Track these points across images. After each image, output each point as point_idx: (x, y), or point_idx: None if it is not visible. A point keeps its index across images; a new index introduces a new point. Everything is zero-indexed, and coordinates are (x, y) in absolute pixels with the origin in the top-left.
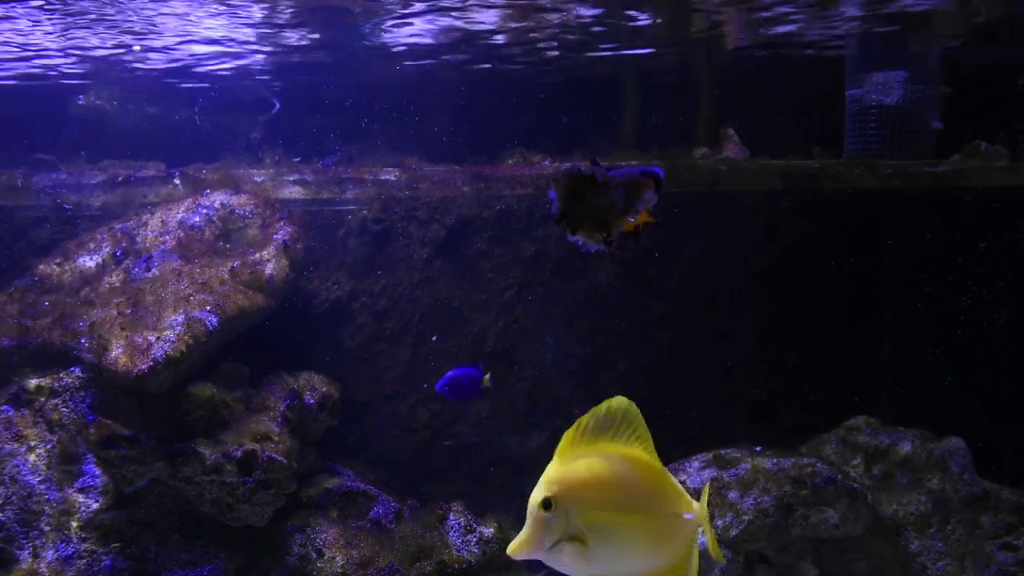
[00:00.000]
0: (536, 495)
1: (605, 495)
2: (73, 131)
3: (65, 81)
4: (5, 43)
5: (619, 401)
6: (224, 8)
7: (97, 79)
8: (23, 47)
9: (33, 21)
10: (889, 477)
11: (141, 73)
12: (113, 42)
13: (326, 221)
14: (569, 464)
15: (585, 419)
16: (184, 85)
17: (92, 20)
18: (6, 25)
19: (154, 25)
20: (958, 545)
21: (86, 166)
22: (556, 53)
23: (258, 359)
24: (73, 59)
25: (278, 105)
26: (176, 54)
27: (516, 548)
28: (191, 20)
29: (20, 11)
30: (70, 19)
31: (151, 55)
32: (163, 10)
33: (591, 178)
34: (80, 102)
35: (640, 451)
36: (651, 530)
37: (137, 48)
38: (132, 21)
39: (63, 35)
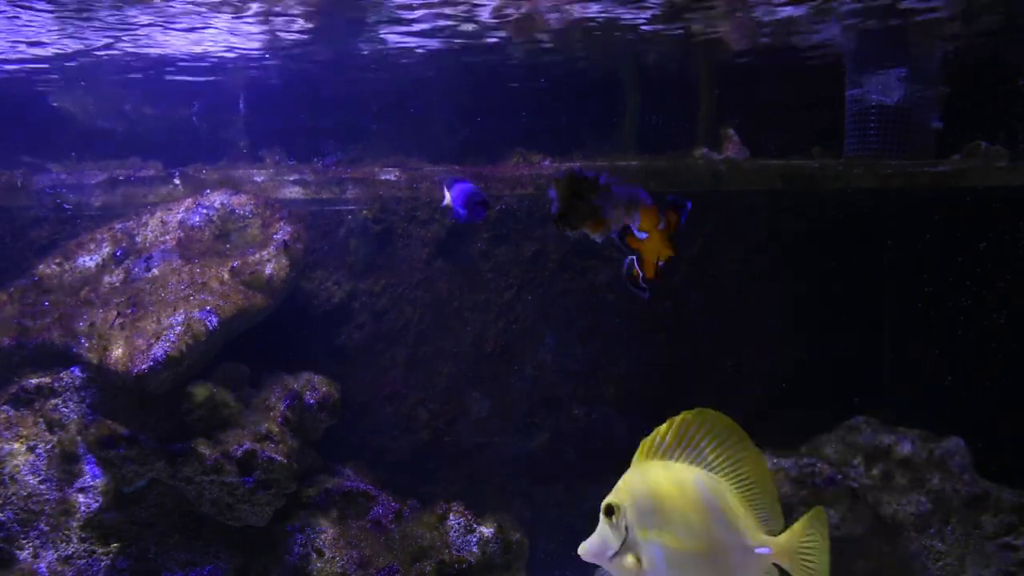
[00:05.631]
0: (606, 500)
1: (666, 516)
2: (58, 131)
3: (46, 76)
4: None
5: (703, 415)
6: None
7: (83, 78)
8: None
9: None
10: (889, 477)
11: (132, 70)
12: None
13: (326, 221)
14: (644, 474)
15: (663, 429)
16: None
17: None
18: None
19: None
20: (958, 545)
21: (78, 166)
22: (556, 54)
23: (258, 359)
24: (63, 56)
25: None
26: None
27: (582, 549)
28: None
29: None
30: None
31: (143, 50)
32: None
33: (592, 180)
34: (53, 104)
35: (723, 475)
36: (712, 563)
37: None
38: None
39: (58, 31)
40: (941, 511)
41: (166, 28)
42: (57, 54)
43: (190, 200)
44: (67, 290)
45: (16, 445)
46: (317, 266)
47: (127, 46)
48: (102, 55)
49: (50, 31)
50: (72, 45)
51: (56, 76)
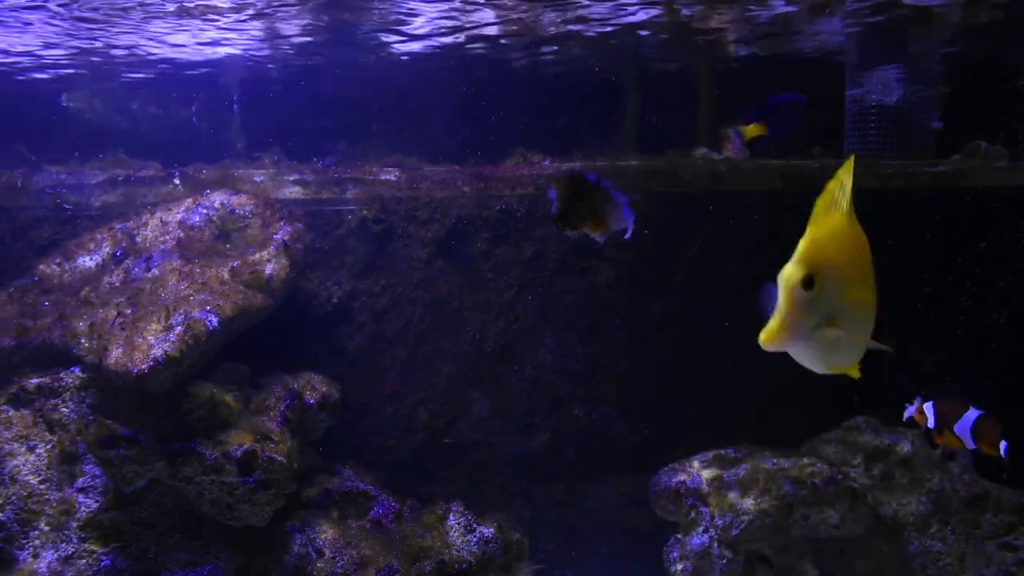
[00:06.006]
0: (794, 272)
1: (862, 270)
2: (60, 130)
3: (53, 73)
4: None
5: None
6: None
7: (88, 78)
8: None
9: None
10: (889, 477)
11: (134, 70)
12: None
13: (326, 221)
14: (826, 236)
15: (834, 185)
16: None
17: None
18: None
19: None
20: (958, 545)
21: (81, 166)
22: (556, 54)
23: (258, 359)
24: (67, 57)
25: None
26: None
27: (772, 335)
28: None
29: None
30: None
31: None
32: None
33: (593, 181)
34: (64, 103)
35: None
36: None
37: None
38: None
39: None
40: (941, 511)
41: (170, 30)
42: (66, 52)
43: (190, 200)
44: (67, 290)
45: (16, 445)
46: (317, 266)
47: (132, 46)
48: (108, 56)
49: (58, 32)
50: (80, 45)
51: (62, 76)
